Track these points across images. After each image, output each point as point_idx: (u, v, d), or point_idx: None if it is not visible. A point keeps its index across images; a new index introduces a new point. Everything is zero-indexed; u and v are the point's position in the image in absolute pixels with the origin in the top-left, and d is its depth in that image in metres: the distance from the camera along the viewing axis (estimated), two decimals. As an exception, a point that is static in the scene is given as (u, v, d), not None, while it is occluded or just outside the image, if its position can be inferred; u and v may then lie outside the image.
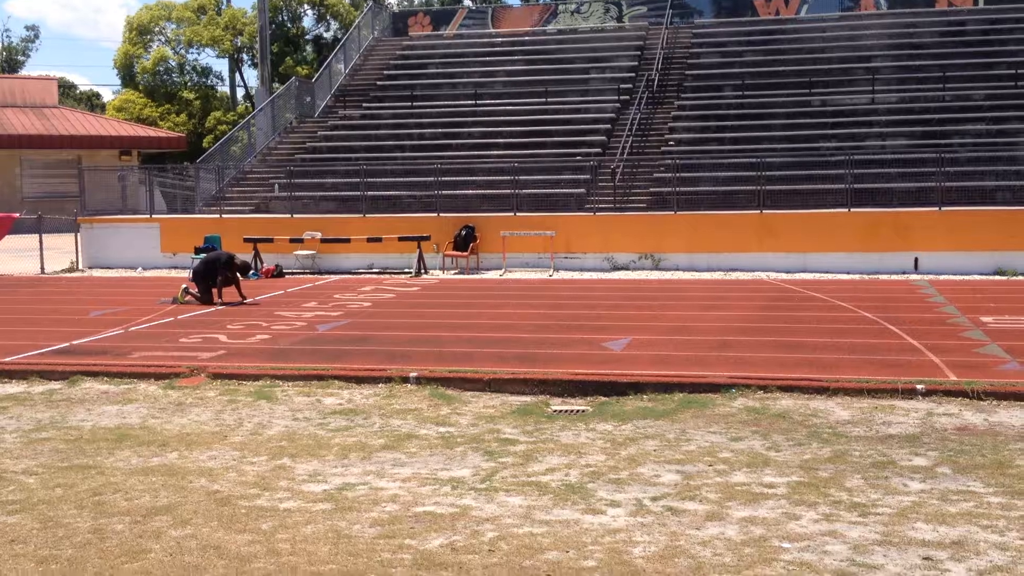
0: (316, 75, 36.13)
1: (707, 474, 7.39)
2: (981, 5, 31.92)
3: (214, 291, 16.91)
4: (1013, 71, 27.02)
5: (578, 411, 9.61)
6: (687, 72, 30.43)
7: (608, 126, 27.92)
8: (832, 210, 21.29)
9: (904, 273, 19.77)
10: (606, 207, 23.21)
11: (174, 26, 57.84)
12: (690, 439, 8.39)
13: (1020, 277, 18.95)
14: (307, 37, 60.57)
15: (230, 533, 6.25)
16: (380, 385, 10.58)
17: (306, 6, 59.29)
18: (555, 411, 9.63)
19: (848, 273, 19.98)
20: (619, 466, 7.63)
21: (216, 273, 16.92)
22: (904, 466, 7.51)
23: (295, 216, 23.98)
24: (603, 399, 10.04)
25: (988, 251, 19.51)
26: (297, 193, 25.77)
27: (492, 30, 36.49)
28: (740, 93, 28.60)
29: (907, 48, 29.69)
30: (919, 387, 9.76)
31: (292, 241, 22.82)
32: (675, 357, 11.60)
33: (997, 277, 19.12)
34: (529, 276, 21.09)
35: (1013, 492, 6.82)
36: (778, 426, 8.77)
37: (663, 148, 26.18)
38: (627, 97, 29.20)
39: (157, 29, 58.03)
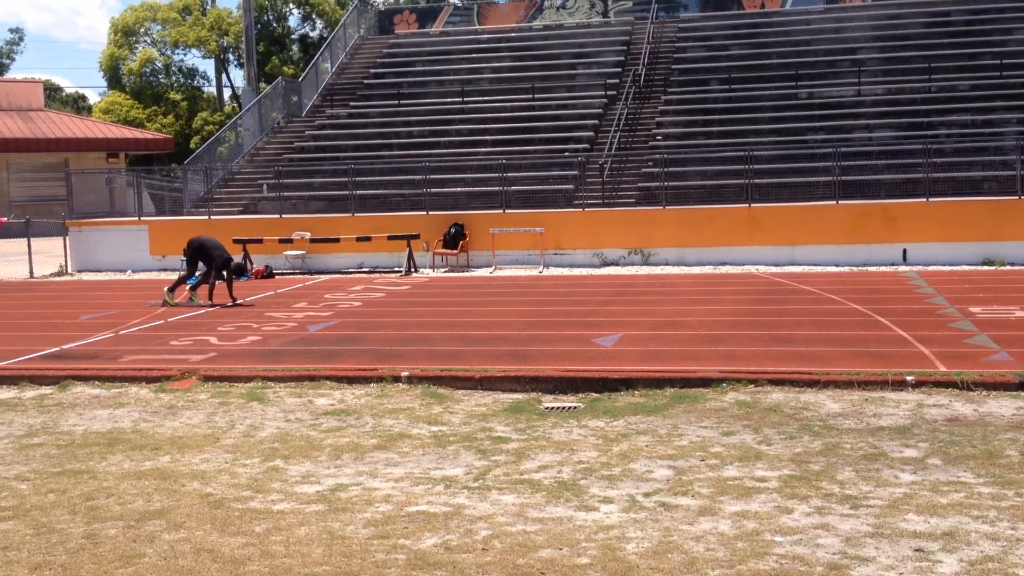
0: (303, 74, 36.07)
1: (699, 469, 7.41)
2: (967, -5, 32.00)
3: (205, 288, 16.88)
4: (998, 61, 27.13)
5: (570, 408, 9.63)
6: (673, 66, 30.47)
7: (595, 121, 27.94)
8: (820, 202, 21.35)
9: (893, 265, 19.84)
10: (595, 203, 23.23)
11: (159, 27, 57.64)
12: (682, 434, 8.41)
13: (1008, 267, 19.03)
14: (293, 36, 60.44)
15: (224, 536, 6.25)
16: (372, 385, 10.58)
17: (292, 5, 59.16)
18: (547, 408, 9.64)
19: (837, 265, 20.04)
20: (611, 462, 7.65)
21: (205, 259, 16.82)
22: (895, 458, 7.54)
23: (284, 216, 23.95)
24: (595, 395, 10.06)
25: (976, 241, 19.58)
26: (286, 193, 25.72)
27: (478, 27, 36.48)
28: (727, 86, 28.65)
29: (892, 39, 29.77)
30: (909, 378, 9.81)
31: (281, 242, 22.79)
32: (666, 352, 11.63)
33: (985, 267, 19.20)
34: (519, 273, 21.10)
35: (1003, 482, 6.86)
36: (769, 420, 8.80)
37: (651, 143, 26.21)
38: (614, 92, 29.22)
39: (142, 30, 57.83)
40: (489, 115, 29.31)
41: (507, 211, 22.66)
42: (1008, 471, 7.11)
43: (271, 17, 58.54)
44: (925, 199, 20.57)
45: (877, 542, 5.83)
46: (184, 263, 17.67)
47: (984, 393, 9.46)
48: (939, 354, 10.87)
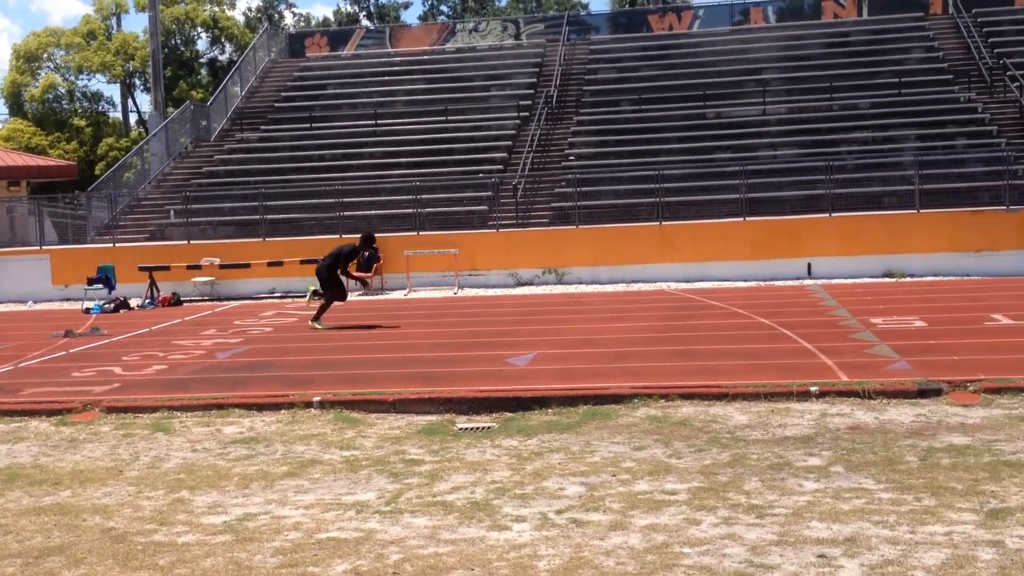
0: (211, 98, 35.58)
1: (611, 484, 7.46)
2: (865, 16, 33.06)
3: (350, 277, 16.59)
4: (896, 80, 28.03)
5: (484, 428, 9.62)
6: (585, 88, 30.83)
7: (509, 143, 28.10)
8: (728, 219, 21.78)
9: (798, 279, 20.30)
10: (509, 223, 23.34)
11: (63, 52, 56.34)
12: (594, 451, 8.46)
13: (908, 279, 19.62)
14: (201, 60, 59.60)
15: (126, 571, 6.08)
16: (283, 411, 10.44)
17: (200, 29, 58.33)
18: (461, 429, 9.62)
19: (745, 280, 20.43)
20: (524, 481, 7.66)
21: (341, 266, 16.26)
22: (799, 467, 7.69)
23: (192, 242, 23.54)
24: (509, 415, 10.07)
25: (877, 255, 20.15)
26: (194, 219, 25.31)
27: (390, 49, 36.45)
28: (637, 107, 29.08)
29: (795, 60, 30.57)
30: (813, 389, 10.03)
31: (189, 268, 22.40)
32: (579, 370, 11.70)
33: (886, 279, 19.76)
34: (434, 295, 21.06)
35: (903, 487, 7.04)
36: (679, 433, 8.90)
37: (563, 163, 26.46)
38: (527, 113, 29.44)
39: (45, 56, 56.45)
40: (402, 137, 29.29)
41: (421, 233, 22.63)
42: (907, 476, 7.30)
43: (178, 41, 57.66)
44: (828, 214, 21.11)
45: (782, 550, 5.93)
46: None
47: (885, 401, 9.71)
48: (842, 365, 11.13)
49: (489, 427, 9.64)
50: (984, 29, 30.24)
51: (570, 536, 6.36)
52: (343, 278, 16.44)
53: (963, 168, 23.28)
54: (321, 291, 16.39)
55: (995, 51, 28.88)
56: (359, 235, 16.87)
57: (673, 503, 6.91)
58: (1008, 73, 26.82)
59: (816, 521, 6.41)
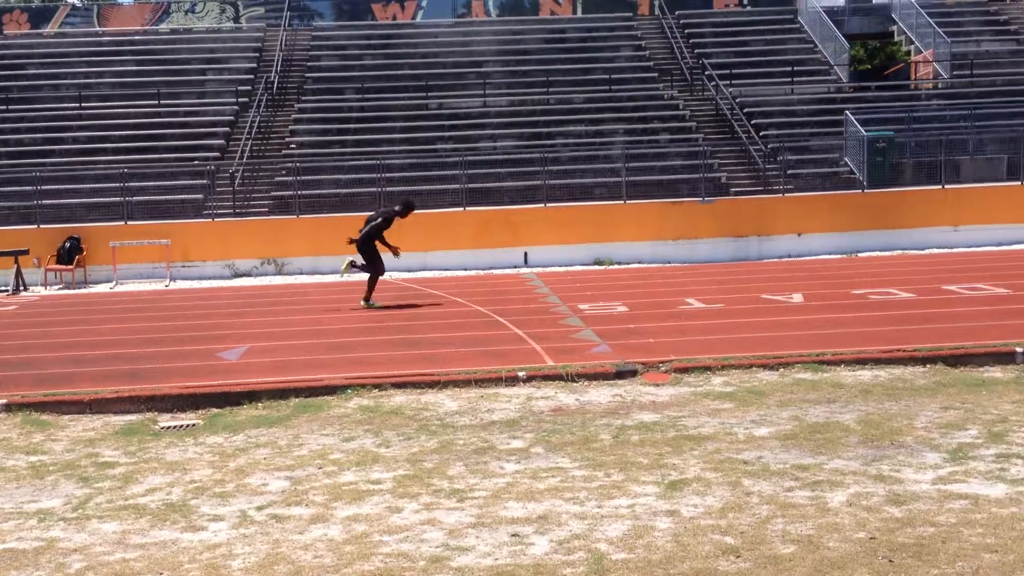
0: None
1: (316, 477, 7.39)
2: (579, 14, 34.47)
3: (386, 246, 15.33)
4: (607, 76, 29.41)
5: (188, 426, 9.27)
6: (307, 75, 30.32)
7: (227, 129, 27.18)
8: (449, 209, 22.12)
9: (516, 267, 20.93)
10: (226, 212, 22.60)
11: None
12: (302, 444, 8.35)
13: (615, 266, 20.69)
14: None
15: None
16: (-37, 416, 9.60)
17: None
18: (163, 428, 9.22)
19: (466, 270, 20.83)
20: (226, 479, 7.45)
21: (377, 236, 15.19)
22: (502, 449, 7.93)
23: None
24: (216, 411, 9.76)
25: (588, 243, 21.11)
26: None
27: (98, 29, 34.31)
28: (361, 96, 28.92)
29: (515, 54, 31.43)
30: (521, 374, 10.37)
31: None
32: (294, 362, 11.51)
33: (595, 267, 20.75)
34: (143, 288, 20.07)
35: (595, 464, 7.41)
36: (391, 422, 8.95)
37: (284, 151, 25.91)
38: (246, 99, 28.57)
39: None
40: (110, 122, 27.63)
41: (129, 223, 21.49)
42: (600, 454, 7.69)
43: None
44: (543, 205, 21.89)
45: (478, 531, 6.09)
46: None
47: (586, 384, 10.19)
48: (549, 349, 11.58)
49: (194, 424, 9.31)
50: (686, 31, 32.30)
51: (269, 532, 6.24)
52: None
53: (665, 161, 24.82)
54: (357, 264, 15.54)
55: (695, 52, 30.93)
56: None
57: (377, 492, 6.94)
58: (707, 73, 28.79)
59: (513, 501, 6.62)
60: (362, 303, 15.63)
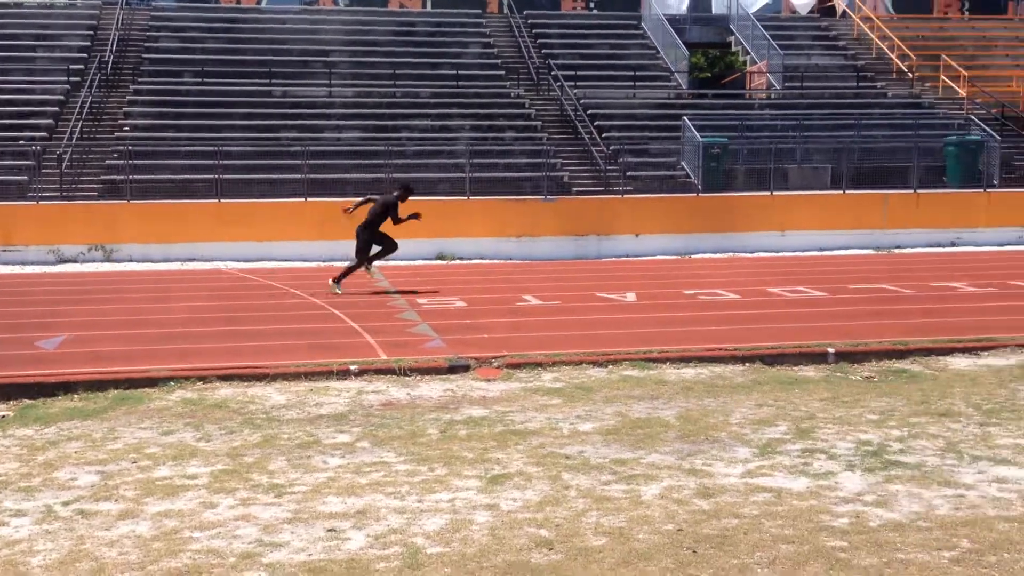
0: None
1: (129, 471, 7.14)
2: (428, 8, 34.39)
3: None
4: (455, 72, 29.45)
5: (-4, 418, 8.81)
6: (144, 56, 29.22)
7: (56, 109, 25.92)
8: (290, 200, 21.74)
9: (357, 260, 20.69)
10: (52, 195, 21.57)
11: None
12: (118, 437, 8.06)
13: (457, 261, 20.75)
14: None
15: None
16: None
17: None
18: (-32, 420, 8.74)
19: (306, 261, 20.51)
20: (33, 472, 7.12)
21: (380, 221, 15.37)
22: (328, 444, 7.85)
23: None
24: (28, 402, 9.33)
25: (430, 238, 21.08)
26: None
27: (-84, -5, 32.16)
28: (200, 80, 28.06)
29: (362, 44, 31.08)
30: (353, 368, 10.28)
31: None
32: (116, 353, 11.10)
33: (438, 262, 20.77)
34: (-40, 272, 18.98)
35: (420, 459, 7.41)
36: (213, 416, 8.73)
37: (117, 133, 24.90)
38: (78, 79, 27.33)
39: None
40: (-73, 95, 25.99)
41: (-56, 204, 20.28)
42: (426, 448, 7.70)
43: None
44: (387, 198, 21.74)
45: (294, 527, 6.01)
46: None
47: (418, 378, 10.18)
48: (384, 343, 11.52)
49: (3, 416, 8.86)
50: (534, 31, 32.65)
51: (74, 528, 6.00)
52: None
53: (510, 159, 25.05)
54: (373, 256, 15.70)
55: (542, 52, 31.30)
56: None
57: (192, 487, 6.76)
58: (552, 73, 29.18)
59: (333, 496, 6.56)
60: (331, 282, 15.77)
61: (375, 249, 15.67)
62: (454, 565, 5.43)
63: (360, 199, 16.50)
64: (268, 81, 28.18)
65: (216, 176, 21.55)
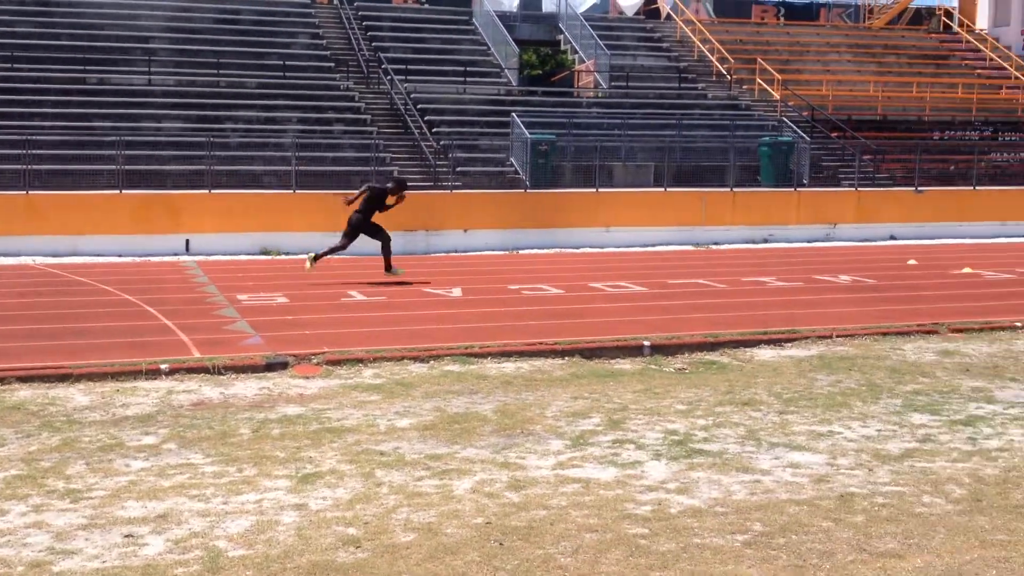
0: None
1: (-90, 481, 6.69)
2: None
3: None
4: (282, 62, 28.82)
5: None
6: (-55, 37, 27.42)
7: None
8: (105, 192, 20.83)
9: (176, 255, 20.02)
10: None
11: None
12: (-100, 444, 7.53)
13: (283, 256, 20.33)
14: None
15: None
16: None
17: None
18: None
19: (120, 256, 19.67)
20: None
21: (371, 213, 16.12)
22: (132, 446, 7.55)
23: None
24: None
25: (255, 232, 20.58)
26: None
27: None
28: (9, 66, 26.52)
29: (184, 32, 30.01)
30: (163, 367, 9.94)
31: None
32: (-97, 354, 10.38)
33: (263, 257, 20.30)
34: None
35: (229, 460, 7.23)
36: (9, 419, 8.28)
37: (-87, 120, 23.28)
38: None
39: None
40: None
41: None
42: (237, 449, 7.51)
43: None
44: (208, 191, 21.12)
45: (88, 533, 5.76)
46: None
47: (233, 376, 9.93)
48: (198, 341, 11.18)
49: None
50: (364, 23, 32.29)
51: None
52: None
53: (339, 152, 24.72)
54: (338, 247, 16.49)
55: (373, 45, 31.02)
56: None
57: (-20, 495, 6.38)
58: (383, 67, 28.96)
59: (133, 501, 6.32)
60: (388, 274, 16.47)
61: (379, 245, 16.59)
62: (256, 567, 5.31)
63: (359, 190, 16.63)
64: (83, 68, 26.89)
65: (24, 166, 20.42)
